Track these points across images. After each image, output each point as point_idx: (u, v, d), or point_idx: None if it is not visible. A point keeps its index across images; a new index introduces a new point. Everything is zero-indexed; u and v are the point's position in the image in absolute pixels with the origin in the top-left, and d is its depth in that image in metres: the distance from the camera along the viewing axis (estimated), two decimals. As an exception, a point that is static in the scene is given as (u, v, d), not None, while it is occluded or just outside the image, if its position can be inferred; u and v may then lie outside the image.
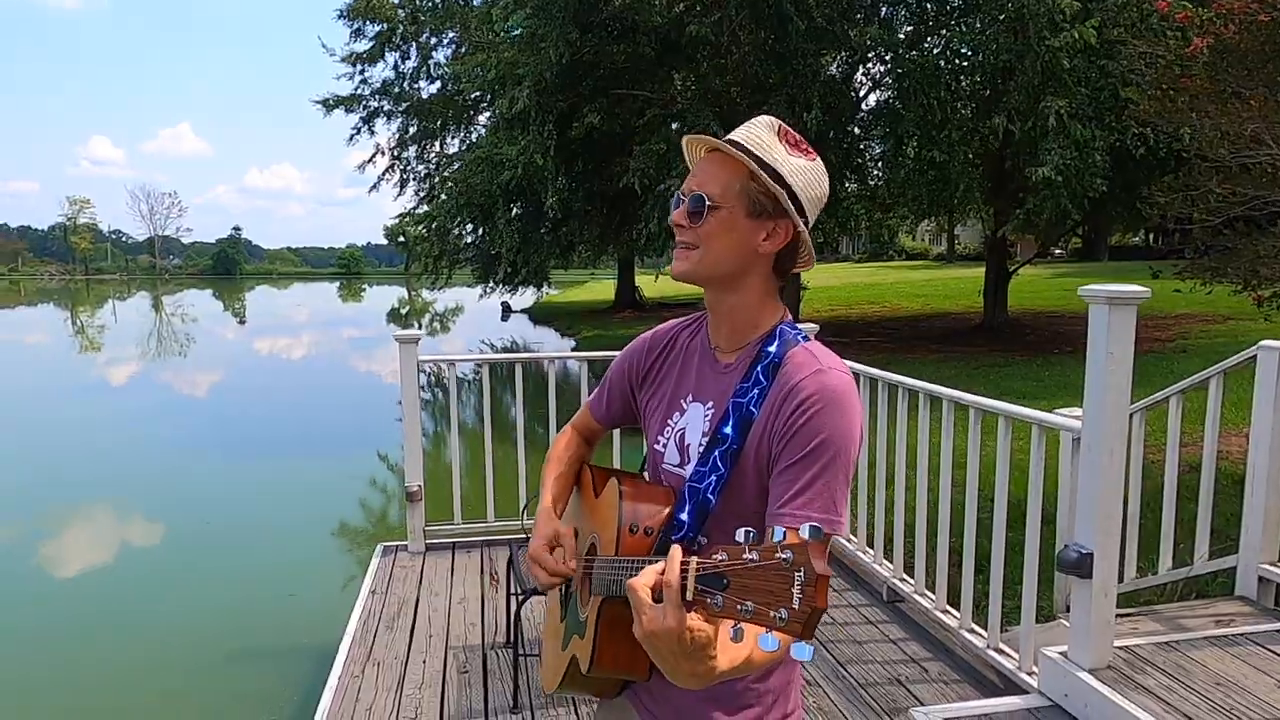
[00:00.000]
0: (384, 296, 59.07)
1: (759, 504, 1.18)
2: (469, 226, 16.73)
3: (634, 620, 0.94)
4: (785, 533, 0.85)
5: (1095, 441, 2.57)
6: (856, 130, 14.57)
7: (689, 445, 1.28)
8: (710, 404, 1.27)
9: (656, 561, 0.96)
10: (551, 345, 22.88)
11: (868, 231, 17.88)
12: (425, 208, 20.89)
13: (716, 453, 1.20)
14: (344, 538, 7.58)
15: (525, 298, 28.84)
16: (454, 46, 21.30)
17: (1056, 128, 10.28)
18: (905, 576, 3.79)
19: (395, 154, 23.33)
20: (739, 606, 0.84)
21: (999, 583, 3.08)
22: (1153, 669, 2.66)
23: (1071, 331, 15.36)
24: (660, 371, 1.38)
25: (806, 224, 1.21)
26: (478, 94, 18.00)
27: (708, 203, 1.19)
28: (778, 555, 0.83)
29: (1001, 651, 3.10)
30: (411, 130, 22.80)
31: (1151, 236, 37.55)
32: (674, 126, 13.42)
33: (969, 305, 19.47)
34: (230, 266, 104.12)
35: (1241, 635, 2.91)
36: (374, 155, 23.46)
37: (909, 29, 13.31)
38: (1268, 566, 3.26)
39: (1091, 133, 10.56)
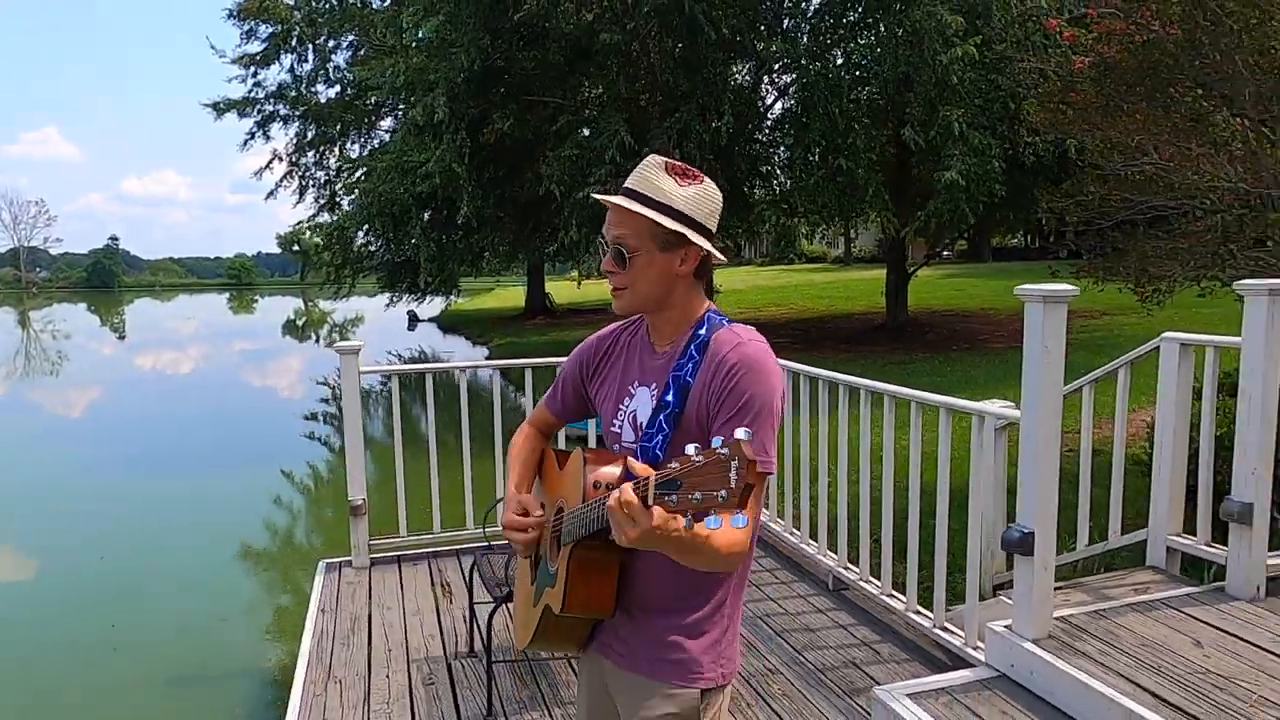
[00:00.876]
0: (278, 307, 56.68)
1: None
2: (375, 235, 16.29)
3: (615, 532, 1.17)
4: (723, 440, 1.06)
5: (1034, 429, 2.78)
6: (763, 138, 14.99)
7: (641, 423, 1.48)
8: (654, 384, 1.48)
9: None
10: (463, 354, 22.53)
11: (770, 235, 18.39)
12: (327, 216, 20.22)
13: (661, 416, 1.43)
14: (253, 559, 7.30)
15: (433, 306, 28.30)
16: (354, 50, 20.76)
17: (958, 135, 10.89)
18: (850, 565, 3.97)
19: (293, 160, 22.52)
20: (690, 497, 1.07)
21: (943, 566, 3.28)
22: (1088, 636, 2.89)
23: (966, 329, 16.23)
24: (608, 366, 1.60)
25: (710, 233, 1.44)
26: (379, 99, 17.59)
27: (627, 254, 1.42)
28: (718, 453, 1.06)
29: (947, 630, 3.30)
30: (310, 135, 22.05)
31: (1029, 239, 40.07)
32: (585, 133, 13.48)
33: (870, 306, 20.27)
34: (107, 279, 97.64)
35: (1158, 601, 3.19)
36: (271, 161, 22.57)
37: (808, 41, 13.79)
38: (1174, 538, 3.59)
39: (988, 141, 11.23)
